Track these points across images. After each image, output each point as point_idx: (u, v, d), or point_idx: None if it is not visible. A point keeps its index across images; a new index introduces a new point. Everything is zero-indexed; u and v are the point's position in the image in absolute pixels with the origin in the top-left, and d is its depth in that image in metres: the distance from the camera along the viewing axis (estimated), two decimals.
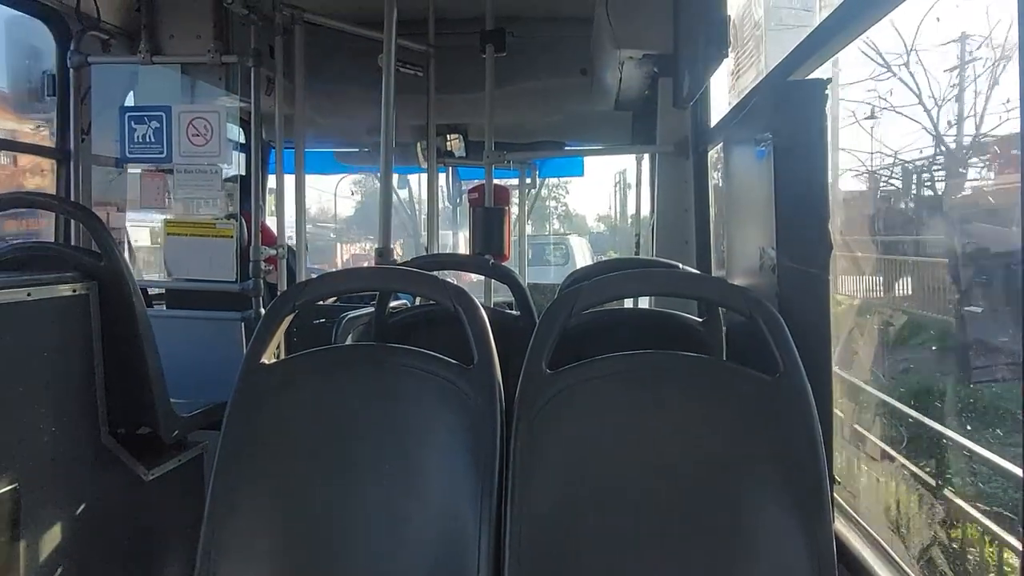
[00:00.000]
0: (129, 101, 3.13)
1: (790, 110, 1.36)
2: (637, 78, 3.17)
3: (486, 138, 3.27)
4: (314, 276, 1.54)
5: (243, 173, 3.28)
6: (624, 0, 2.79)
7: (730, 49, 2.20)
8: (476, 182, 3.81)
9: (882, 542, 1.45)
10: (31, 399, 1.70)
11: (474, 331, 1.31)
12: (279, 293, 2.92)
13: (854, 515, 1.56)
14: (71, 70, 2.84)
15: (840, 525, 1.46)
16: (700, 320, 1.96)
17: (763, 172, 1.44)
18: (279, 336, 1.36)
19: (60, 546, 1.74)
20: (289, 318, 1.38)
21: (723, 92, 2.88)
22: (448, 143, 4.09)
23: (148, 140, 2.84)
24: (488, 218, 3.36)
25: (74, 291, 1.83)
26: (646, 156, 4.07)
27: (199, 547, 1.23)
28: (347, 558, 1.23)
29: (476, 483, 1.22)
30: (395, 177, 3.78)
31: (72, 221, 2.84)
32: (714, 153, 2.94)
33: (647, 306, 3.06)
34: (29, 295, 1.69)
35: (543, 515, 1.19)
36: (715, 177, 2.99)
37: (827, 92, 1.34)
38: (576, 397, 1.25)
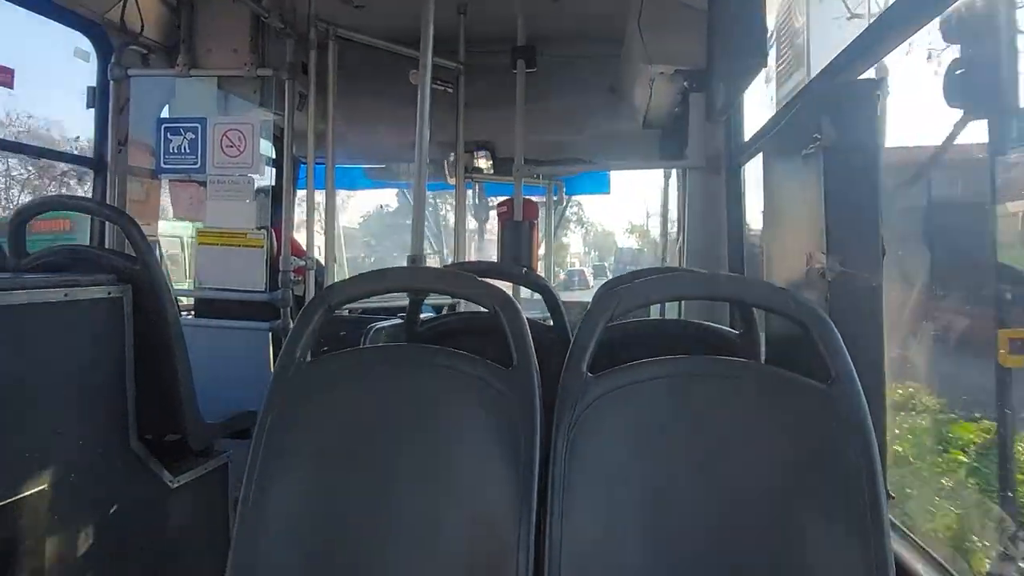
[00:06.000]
0: (163, 113, 3.19)
1: (841, 111, 1.33)
2: (667, 95, 3.16)
3: (516, 152, 3.27)
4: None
5: (273, 185, 3.32)
6: (656, 16, 2.79)
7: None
8: (502, 198, 3.81)
9: (942, 561, 1.37)
10: (65, 400, 1.70)
11: (514, 333, 1.28)
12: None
13: (909, 533, 1.48)
14: (111, 82, 2.90)
15: (896, 543, 1.39)
16: (736, 332, 1.91)
17: (811, 176, 1.40)
18: (313, 335, 1.34)
19: (86, 549, 1.72)
20: (321, 318, 1.35)
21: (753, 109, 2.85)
22: (476, 159, 4.11)
23: (183, 151, 2.88)
24: (517, 232, 3.35)
25: (109, 293, 1.83)
26: (674, 175, 4.04)
27: (232, 542, 1.20)
28: (382, 561, 1.19)
29: (515, 487, 1.18)
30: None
31: (106, 226, 2.88)
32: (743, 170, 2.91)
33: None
34: (66, 295, 1.70)
35: (585, 521, 1.15)
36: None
37: (879, 92, 1.31)
38: (617, 401, 1.20)
